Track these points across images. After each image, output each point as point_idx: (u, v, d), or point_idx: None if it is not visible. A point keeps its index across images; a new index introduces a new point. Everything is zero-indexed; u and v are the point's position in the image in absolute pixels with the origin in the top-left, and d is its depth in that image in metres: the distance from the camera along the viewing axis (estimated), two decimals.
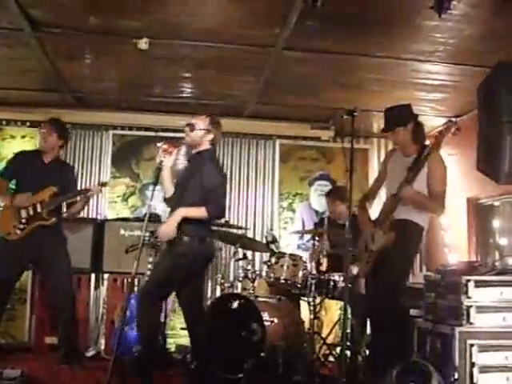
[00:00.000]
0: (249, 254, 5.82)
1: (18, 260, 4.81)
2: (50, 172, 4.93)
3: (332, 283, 4.95)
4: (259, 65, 5.04)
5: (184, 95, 6.10)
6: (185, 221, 3.83)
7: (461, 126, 3.89)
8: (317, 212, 6.98)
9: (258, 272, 5.38)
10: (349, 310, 4.31)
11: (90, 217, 6.45)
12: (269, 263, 5.20)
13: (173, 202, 4.07)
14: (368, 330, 5.09)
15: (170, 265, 3.88)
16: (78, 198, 5.01)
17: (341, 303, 5.16)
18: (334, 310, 5.96)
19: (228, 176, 6.90)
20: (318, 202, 6.97)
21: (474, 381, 3.58)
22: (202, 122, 4.05)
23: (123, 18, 4.26)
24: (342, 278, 4.89)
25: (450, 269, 4.24)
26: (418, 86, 5.39)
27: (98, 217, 6.47)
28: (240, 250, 5.53)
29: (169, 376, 4.62)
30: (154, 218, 4.05)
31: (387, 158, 4.53)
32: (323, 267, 5.14)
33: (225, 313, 4.65)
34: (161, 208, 5.71)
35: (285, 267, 5.05)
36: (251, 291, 4.98)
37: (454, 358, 3.63)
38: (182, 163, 4.24)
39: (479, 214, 6.11)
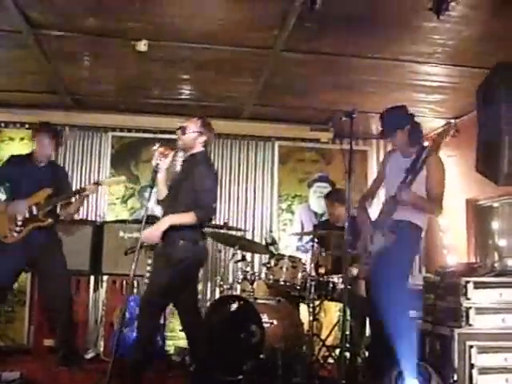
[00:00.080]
0: (248, 255, 5.82)
1: (15, 262, 4.81)
2: (42, 175, 4.93)
3: (331, 285, 4.95)
4: (258, 66, 5.05)
5: (183, 97, 6.10)
6: (177, 225, 3.83)
7: (460, 127, 3.89)
8: (316, 214, 6.97)
9: (257, 274, 5.38)
10: (348, 312, 4.30)
11: (89, 219, 6.46)
12: (268, 265, 5.19)
13: (166, 205, 4.07)
14: (367, 332, 5.10)
15: (170, 273, 3.83)
16: (74, 199, 5.02)
17: (340, 305, 5.15)
18: (333, 311, 5.95)
19: (227, 178, 6.92)
20: (317, 204, 6.97)
21: (474, 382, 3.59)
22: (193, 125, 4.04)
23: (122, 20, 4.25)
24: (341, 280, 4.89)
25: (449, 270, 4.25)
26: (417, 87, 5.40)
27: (97, 219, 6.47)
28: (239, 251, 5.53)
29: (168, 378, 4.62)
30: (152, 220, 4.03)
31: (386, 159, 4.53)
32: (322, 269, 5.14)
33: (224, 315, 4.65)
34: (159, 210, 5.71)
35: (284, 269, 5.04)
36: (250, 293, 4.99)
37: (454, 359, 3.64)
38: (180, 166, 4.22)
39: (478, 215, 6.11)
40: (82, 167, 6.68)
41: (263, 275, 5.31)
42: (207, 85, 5.73)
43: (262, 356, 4.42)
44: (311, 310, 4.93)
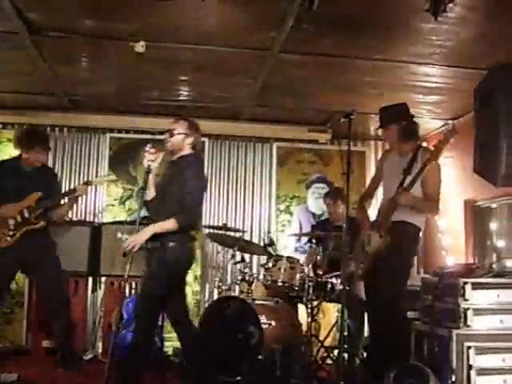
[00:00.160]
0: (246, 256, 5.81)
1: (9, 266, 4.81)
2: (31, 178, 4.91)
3: (329, 286, 4.95)
4: (256, 68, 5.05)
5: (181, 98, 6.10)
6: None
7: (458, 128, 3.90)
8: (314, 215, 6.98)
9: (255, 275, 5.39)
10: (346, 313, 4.30)
11: (87, 220, 6.45)
12: (266, 266, 5.19)
13: (153, 206, 4.06)
14: (365, 333, 5.11)
15: (161, 274, 3.83)
16: (65, 200, 5.01)
17: (338, 306, 5.15)
18: (331, 312, 5.95)
19: (225, 179, 6.92)
20: (316, 205, 6.97)
21: (472, 383, 3.59)
22: (180, 127, 4.03)
23: (120, 21, 4.25)
24: (339, 281, 4.89)
25: (447, 271, 4.26)
26: (415, 88, 5.40)
27: (95, 220, 6.47)
28: (237, 252, 5.52)
29: (166, 379, 4.61)
30: (148, 221, 4.03)
31: (383, 158, 4.55)
32: (321, 270, 5.14)
33: (222, 315, 4.65)
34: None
35: (282, 270, 5.04)
36: (249, 294, 4.98)
37: (452, 360, 3.64)
38: (167, 167, 4.20)
39: (476, 216, 6.11)
40: (79, 169, 6.68)
41: (261, 276, 5.31)
42: (205, 86, 5.74)
43: (260, 357, 4.41)
44: (309, 310, 4.93)
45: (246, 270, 5.27)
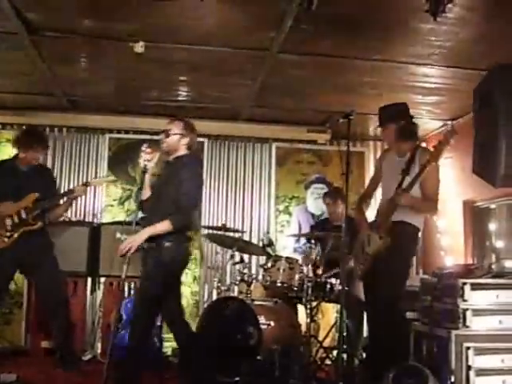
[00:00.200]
0: (245, 257, 5.81)
1: (6, 267, 4.80)
2: (28, 177, 4.91)
3: (329, 286, 4.95)
4: (255, 68, 5.05)
5: (180, 99, 6.10)
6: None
7: (457, 129, 3.90)
8: (313, 215, 6.98)
9: (254, 275, 5.39)
10: (345, 313, 4.30)
11: (86, 220, 6.45)
12: (265, 266, 5.18)
13: (148, 206, 4.06)
14: (364, 333, 5.11)
15: (158, 274, 3.83)
16: (62, 201, 5.01)
17: (337, 306, 5.14)
18: (330, 313, 5.95)
19: (224, 179, 6.92)
20: (315, 205, 6.97)
21: None
22: (175, 127, 4.02)
23: (119, 21, 4.25)
24: (338, 281, 4.89)
25: (446, 272, 4.25)
26: (414, 89, 5.40)
27: (94, 220, 6.46)
28: (236, 253, 5.52)
29: (165, 379, 4.61)
30: (144, 222, 4.03)
31: (382, 158, 4.55)
32: (320, 270, 5.14)
33: (221, 316, 4.65)
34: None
35: (281, 270, 5.03)
36: (248, 294, 4.98)
37: (451, 361, 3.64)
38: (163, 168, 4.20)
39: (475, 216, 6.11)
40: (78, 169, 6.68)
41: (260, 277, 5.31)
42: (204, 86, 5.73)
43: (259, 357, 4.41)
44: (308, 311, 4.93)
45: (245, 271, 5.28)
